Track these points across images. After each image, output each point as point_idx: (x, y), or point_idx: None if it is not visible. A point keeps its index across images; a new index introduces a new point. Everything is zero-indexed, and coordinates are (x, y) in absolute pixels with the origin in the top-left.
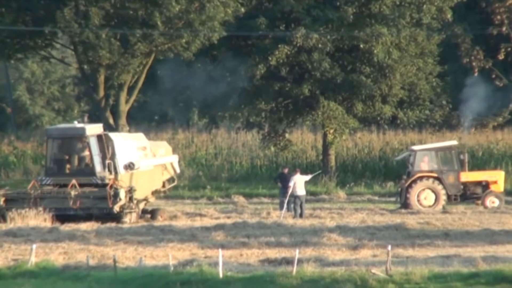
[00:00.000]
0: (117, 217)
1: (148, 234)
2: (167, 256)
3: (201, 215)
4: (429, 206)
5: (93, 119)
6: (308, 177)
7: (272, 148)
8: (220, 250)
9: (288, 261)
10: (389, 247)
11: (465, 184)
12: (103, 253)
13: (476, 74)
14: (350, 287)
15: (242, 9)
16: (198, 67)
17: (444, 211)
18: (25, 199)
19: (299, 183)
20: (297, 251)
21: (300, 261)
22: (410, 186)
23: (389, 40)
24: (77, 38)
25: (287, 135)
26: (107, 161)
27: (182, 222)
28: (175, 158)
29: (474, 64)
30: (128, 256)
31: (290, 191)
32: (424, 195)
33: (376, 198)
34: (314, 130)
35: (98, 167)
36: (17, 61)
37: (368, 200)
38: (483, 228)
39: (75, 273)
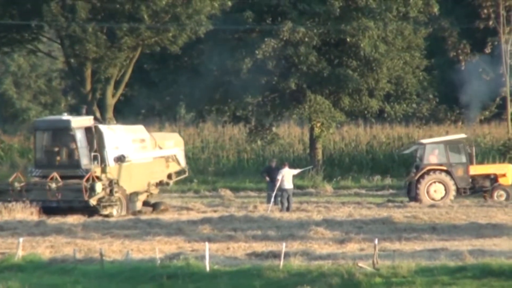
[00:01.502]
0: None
1: (135, 228)
2: (154, 249)
3: (188, 208)
4: (439, 199)
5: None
6: (296, 171)
7: (259, 142)
8: (206, 243)
9: (275, 255)
10: (376, 241)
11: (473, 178)
12: (90, 247)
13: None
14: (337, 280)
15: (229, 3)
16: (185, 61)
17: (431, 204)
18: (8, 191)
19: (287, 176)
20: (284, 244)
21: (287, 254)
22: (419, 179)
23: (375, 33)
24: (64, 32)
25: (274, 129)
26: (93, 154)
27: (169, 216)
28: (178, 151)
29: (461, 57)
30: (114, 249)
31: (278, 184)
32: (434, 188)
33: (363, 191)
34: (301, 123)
35: (84, 160)
36: (4, 55)
37: (355, 194)
38: (470, 222)
39: (62, 266)
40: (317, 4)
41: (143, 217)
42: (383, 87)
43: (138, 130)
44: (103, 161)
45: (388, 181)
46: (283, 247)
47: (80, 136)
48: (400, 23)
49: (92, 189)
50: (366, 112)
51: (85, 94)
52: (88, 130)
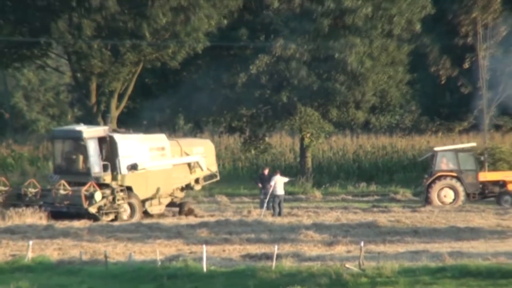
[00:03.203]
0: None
1: (137, 232)
2: (155, 251)
3: (185, 213)
4: (449, 203)
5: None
6: (286, 179)
7: (253, 151)
8: (204, 246)
9: (268, 256)
10: (362, 243)
11: (483, 183)
12: (95, 249)
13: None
14: (326, 280)
15: (225, 21)
16: (184, 76)
17: (413, 210)
18: (21, 196)
19: (279, 183)
20: (276, 247)
21: (278, 256)
22: (431, 184)
23: (362, 50)
24: (71, 48)
25: (266, 139)
26: (103, 162)
27: (168, 220)
28: (200, 157)
29: (441, 72)
30: (118, 251)
31: (271, 190)
32: (444, 193)
33: (350, 197)
34: (292, 134)
35: (95, 168)
36: (15, 70)
37: (342, 200)
38: (450, 226)
39: (69, 267)
40: (307, 22)
41: (145, 221)
42: (368, 100)
43: (157, 139)
44: (115, 169)
45: (373, 187)
46: (275, 249)
47: (92, 145)
48: (385, 40)
49: (91, 197)
50: (352, 123)
51: (90, 107)
52: (101, 140)
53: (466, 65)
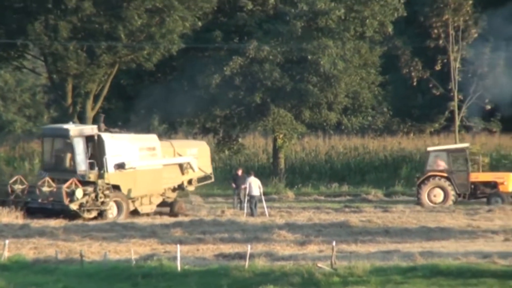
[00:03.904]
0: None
1: (112, 231)
2: (130, 251)
3: (161, 213)
4: (439, 203)
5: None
6: (260, 188)
7: (227, 152)
8: (178, 245)
9: (241, 256)
10: (334, 243)
11: (475, 184)
12: (71, 248)
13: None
14: (298, 279)
15: (199, 23)
16: (159, 77)
17: (385, 210)
18: (7, 193)
19: (253, 184)
20: (249, 246)
21: (252, 255)
22: (421, 184)
23: (334, 52)
24: (47, 50)
25: (240, 140)
26: (89, 160)
27: (143, 220)
28: (191, 159)
29: (413, 74)
30: (93, 251)
31: (246, 191)
32: (434, 193)
33: (322, 198)
34: (265, 135)
35: (81, 166)
36: None
37: (315, 200)
38: (421, 226)
39: (45, 266)
40: (281, 24)
41: (120, 220)
42: (341, 101)
43: (148, 139)
44: (102, 167)
45: (345, 188)
46: (248, 248)
47: (78, 143)
48: (357, 42)
49: (72, 194)
50: (325, 124)
51: (66, 107)
52: (89, 138)
53: (438, 67)
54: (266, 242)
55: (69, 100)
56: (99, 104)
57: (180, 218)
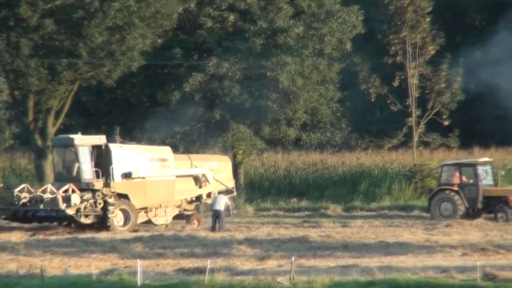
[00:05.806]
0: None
1: (73, 246)
2: (90, 266)
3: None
4: (448, 217)
5: (22, 141)
6: (225, 197)
7: None
8: (138, 260)
9: (201, 271)
10: (293, 258)
11: (487, 199)
12: (32, 263)
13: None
14: None
15: (159, 40)
16: (119, 93)
17: (343, 225)
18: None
19: (219, 200)
20: (209, 261)
21: (211, 270)
22: (432, 197)
23: (293, 68)
24: (9, 67)
25: None
26: (94, 169)
27: (104, 235)
28: (206, 170)
29: (371, 90)
30: (54, 266)
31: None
32: (444, 206)
33: (281, 213)
34: (225, 150)
35: (87, 174)
36: None
37: (274, 215)
38: (379, 241)
39: (6, 281)
40: (240, 41)
41: (80, 235)
42: (299, 117)
43: (160, 150)
44: (108, 176)
45: (304, 203)
46: (208, 263)
47: (83, 152)
48: (316, 59)
49: (68, 200)
50: (284, 140)
51: (27, 124)
52: (96, 148)
53: (396, 83)
54: (226, 257)
55: (31, 117)
56: (60, 121)
57: (140, 233)
